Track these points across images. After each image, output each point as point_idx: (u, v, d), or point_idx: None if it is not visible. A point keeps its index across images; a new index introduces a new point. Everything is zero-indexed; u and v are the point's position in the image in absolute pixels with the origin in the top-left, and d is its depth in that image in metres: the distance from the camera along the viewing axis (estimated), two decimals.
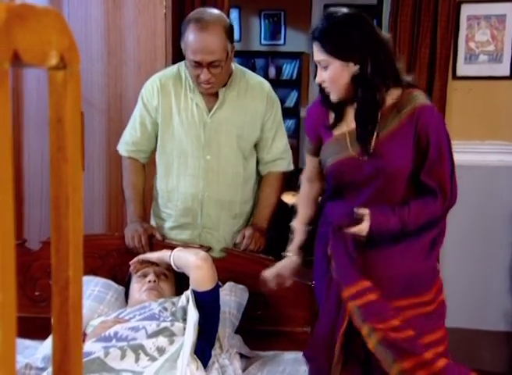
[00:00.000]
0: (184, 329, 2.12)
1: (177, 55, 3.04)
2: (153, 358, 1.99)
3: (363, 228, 2.06)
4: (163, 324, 2.11)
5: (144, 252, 2.58)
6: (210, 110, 2.65)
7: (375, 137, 2.08)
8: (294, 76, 7.97)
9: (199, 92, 2.63)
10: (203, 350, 2.16)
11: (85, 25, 3.31)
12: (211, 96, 2.64)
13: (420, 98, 2.11)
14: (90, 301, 2.47)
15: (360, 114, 2.10)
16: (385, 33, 2.19)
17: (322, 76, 2.09)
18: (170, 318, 2.16)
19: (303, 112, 7.83)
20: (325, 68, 2.07)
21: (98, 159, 3.43)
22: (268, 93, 2.73)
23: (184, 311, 2.20)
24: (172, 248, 2.46)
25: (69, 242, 0.62)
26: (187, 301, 2.21)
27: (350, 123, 2.16)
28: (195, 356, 2.07)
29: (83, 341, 2.17)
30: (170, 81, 2.67)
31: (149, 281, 2.39)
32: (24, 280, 2.67)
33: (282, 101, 7.98)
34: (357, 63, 2.04)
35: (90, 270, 2.66)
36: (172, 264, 2.37)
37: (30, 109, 3.46)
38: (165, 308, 2.21)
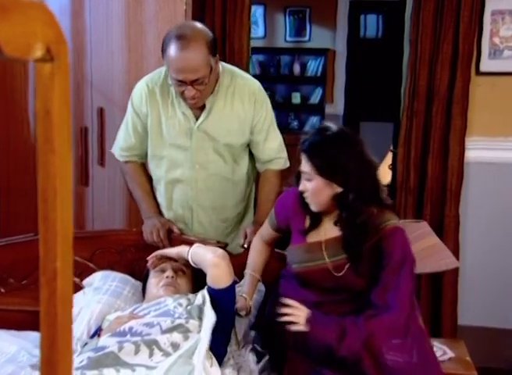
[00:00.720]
0: (199, 326, 2.12)
1: None
2: (167, 354, 1.99)
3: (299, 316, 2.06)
4: (178, 321, 2.11)
5: (164, 246, 2.59)
6: (197, 119, 2.62)
7: None
8: (319, 73, 7.93)
9: None
10: (218, 346, 2.15)
11: (106, 21, 3.34)
12: None
13: (391, 221, 2.09)
14: (107, 296, 2.48)
15: (349, 244, 2.10)
16: (374, 159, 2.12)
17: (306, 186, 2.09)
18: (185, 315, 2.16)
19: (328, 109, 7.79)
20: (309, 180, 2.07)
21: None
22: (257, 94, 2.66)
23: (200, 309, 2.20)
24: (190, 243, 2.47)
25: (57, 233, 0.62)
26: (203, 302, 2.21)
27: (327, 232, 2.16)
28: (210, 353, 2.06)
29: (99, 335, 2.19)
30: (157, 89, 2.63)
31: (167, 277, 2.39)
32: None
33: (307, 98, 7.99)
34: (341, 186, 2.04)
35: (108, 265, 2.69)
36: (190, 260, 2.38)
37: None
38: (180, 304, 2.20)
